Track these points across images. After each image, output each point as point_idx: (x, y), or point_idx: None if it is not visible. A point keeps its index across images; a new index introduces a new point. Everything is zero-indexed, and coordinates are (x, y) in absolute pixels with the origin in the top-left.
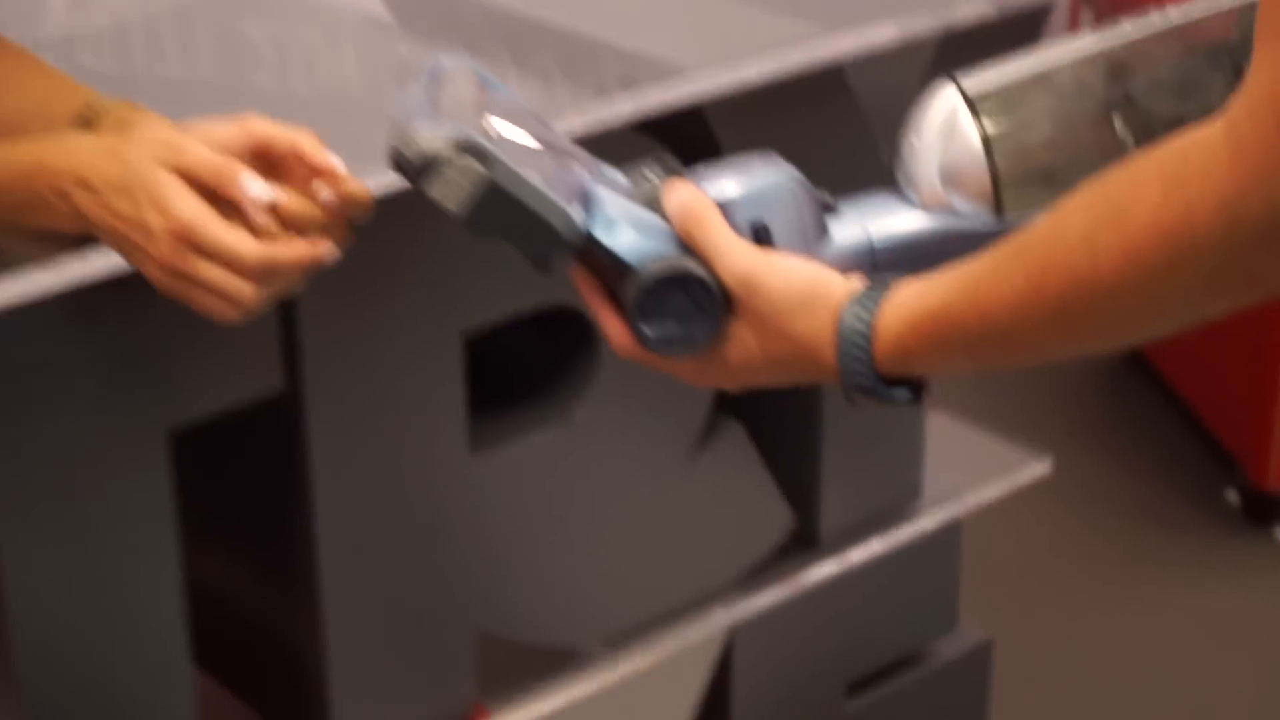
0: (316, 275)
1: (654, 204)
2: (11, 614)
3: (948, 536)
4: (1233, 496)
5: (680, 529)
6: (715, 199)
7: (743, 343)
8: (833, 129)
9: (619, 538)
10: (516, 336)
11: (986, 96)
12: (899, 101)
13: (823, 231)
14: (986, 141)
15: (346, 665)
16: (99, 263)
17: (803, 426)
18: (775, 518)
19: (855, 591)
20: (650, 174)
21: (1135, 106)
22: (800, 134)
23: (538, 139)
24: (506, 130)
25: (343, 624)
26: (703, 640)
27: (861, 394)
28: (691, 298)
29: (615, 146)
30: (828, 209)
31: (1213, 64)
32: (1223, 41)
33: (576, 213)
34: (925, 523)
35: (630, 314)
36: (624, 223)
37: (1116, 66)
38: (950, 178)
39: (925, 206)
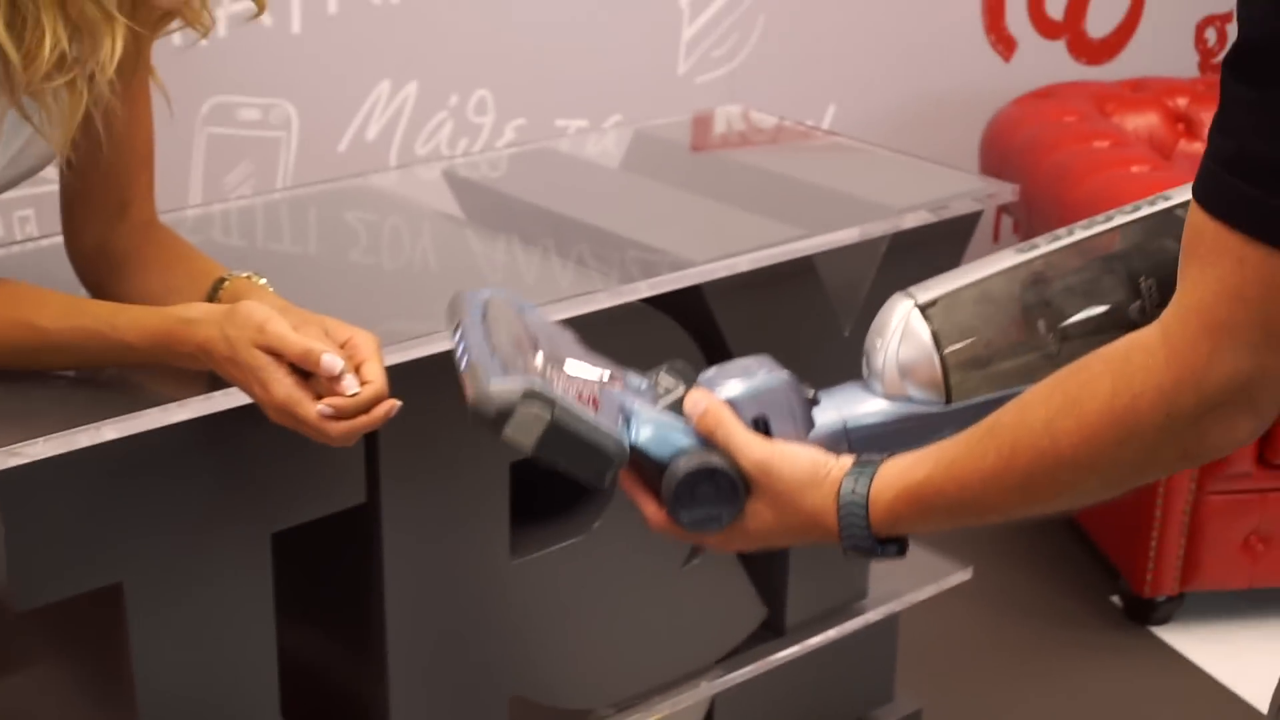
0: (395, 418)
1: (676, 407)
2: (138, 668)
3: (888, 627)
4: (1116, 600)
5: (676, 618)
6: (724, 398)
7: (760, 516)
8: (803, 305)
9: (627, 624)
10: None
11: (934, 304)
12: (858, 284)
13: (809, 420)
14: (935, 337)
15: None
16: (220, 400)
17: None
18: (751, 611)
19: (813, 669)
20: (666, 378)
21: (1051, 307)
22: (777, 309)
23: (570, 355)
24: (551, 360)
25: (404, 686)
26: (692, 705)
27: (859, 552)
28: (717, 486)
29: (634, 316)
30: (812, 402)
31: (1106, 270)
32: (1112, 252)
33: (623, 434)
34: (870, 616)
35: (668, 503)
36: (656, 430)
37: (1034, 275)
38: (907, 369)
39: (888, 395)
